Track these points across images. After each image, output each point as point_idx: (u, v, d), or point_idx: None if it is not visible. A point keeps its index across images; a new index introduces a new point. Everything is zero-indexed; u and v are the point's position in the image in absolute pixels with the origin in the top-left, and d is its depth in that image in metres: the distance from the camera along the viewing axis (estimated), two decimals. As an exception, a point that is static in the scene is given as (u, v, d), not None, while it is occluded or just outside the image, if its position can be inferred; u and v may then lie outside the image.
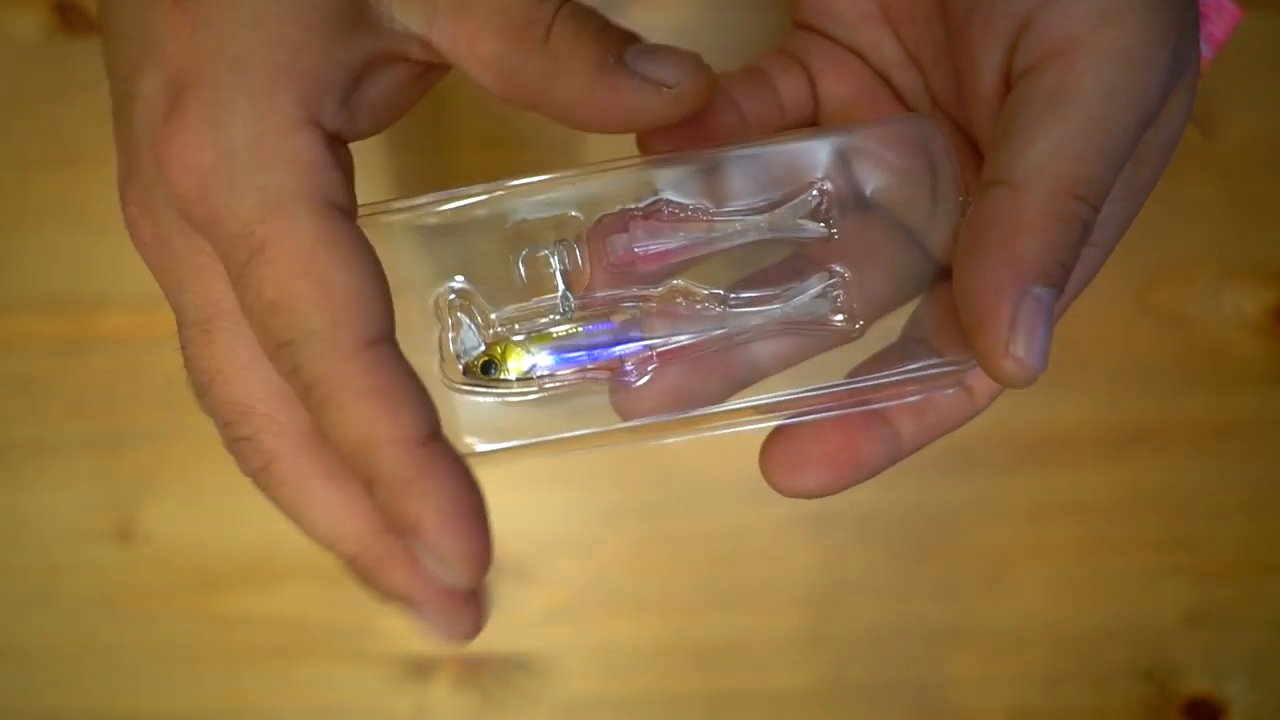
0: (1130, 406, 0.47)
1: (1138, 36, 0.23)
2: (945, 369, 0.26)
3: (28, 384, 0.45)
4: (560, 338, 0.26)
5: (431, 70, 0.24)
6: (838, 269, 0.27)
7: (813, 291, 0.26)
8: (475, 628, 0.23)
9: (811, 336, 0.27)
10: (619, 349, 0.26)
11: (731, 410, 0.26)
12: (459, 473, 0.22)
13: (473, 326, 0.26)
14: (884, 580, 0.47)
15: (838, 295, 0.26)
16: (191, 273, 0.23)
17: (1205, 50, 0.41)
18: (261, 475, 0.24)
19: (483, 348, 0.26)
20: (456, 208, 0.26)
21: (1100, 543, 0.47)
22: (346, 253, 0.21)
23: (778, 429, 0.27)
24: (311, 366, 0.21)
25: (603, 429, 0.26)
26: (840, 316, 0.26)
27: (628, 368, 0.26)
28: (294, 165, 0.21)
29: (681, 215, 0.26)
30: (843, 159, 0.27)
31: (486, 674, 0.46)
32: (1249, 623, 0.47)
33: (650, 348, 0.26)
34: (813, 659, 0.47)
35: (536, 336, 0.26)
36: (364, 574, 0.24)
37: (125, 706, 0.46)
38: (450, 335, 0.26)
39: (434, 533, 0.21)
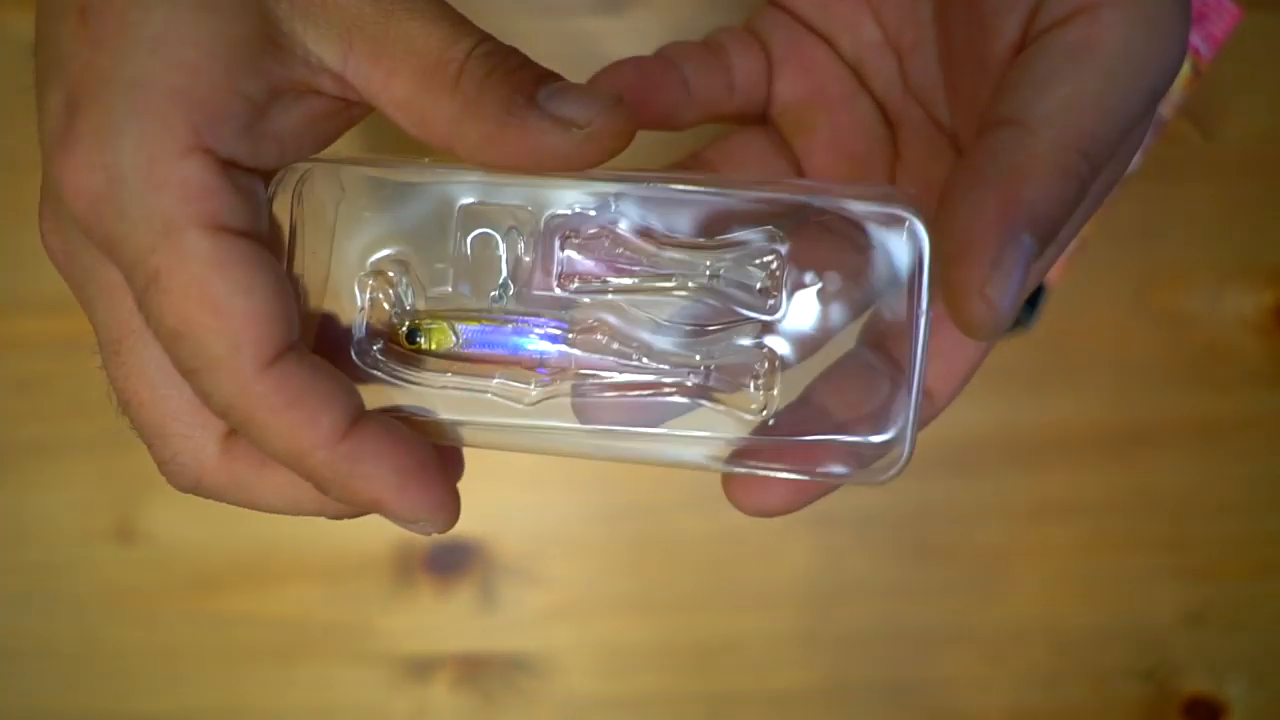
0: (1130, 406, 0.47)
1: (1163, 3, 0.23)
2: (858, 476, 0.26)
3: (28, 384, 0.45)
4: (488, 325, 0.26)
5: (353, 106, 0.24)
6: (768, 346, 0.26)
7: (738, 361, 0.26)
8: (453, 514, 0.24)
9: (718, 403, 0.26)
10: (541, 349, 0.26)
11: (658, 459, 0.26)
12: (394, 441, 0.23)
13: (407, 293, 0.26)
14: (884, 580, 0.47)
15: (760, 375, 0.26)
16: (100, 292, 0.23)
17: (1205, 50, 0.41)
18: (200, 489, 0.24)
19: (410, 315, 0.26)
20: (415, 177, 0.26)
21: (1100, 543, 0.47)
22: (241, 275, 0.21)
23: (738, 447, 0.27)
24: (221, 393, 0.21)
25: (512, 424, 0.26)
26: (758, 397, 0.26)
27: (543, 370, 0.26)
28: (183, 190, 0.21)
29: (634, 234, 0.26)
30: (809, 224, 0.26)
31: (486, 674, 0.46)
32: (1249, 623, 0.47)
33: (570, 360, 0.26)
34: (813, 659, 0.47)
35: (465, 317, 0.26)
36: (334, 517, 0.25)
37: (125, 706, 0.46)
38: (372, 307, 0.26)
39: (394, 504, 0.23)
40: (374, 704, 0.46)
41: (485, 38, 0.23)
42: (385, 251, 0.26)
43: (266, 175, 0.23)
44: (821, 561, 0.47)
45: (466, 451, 0.29)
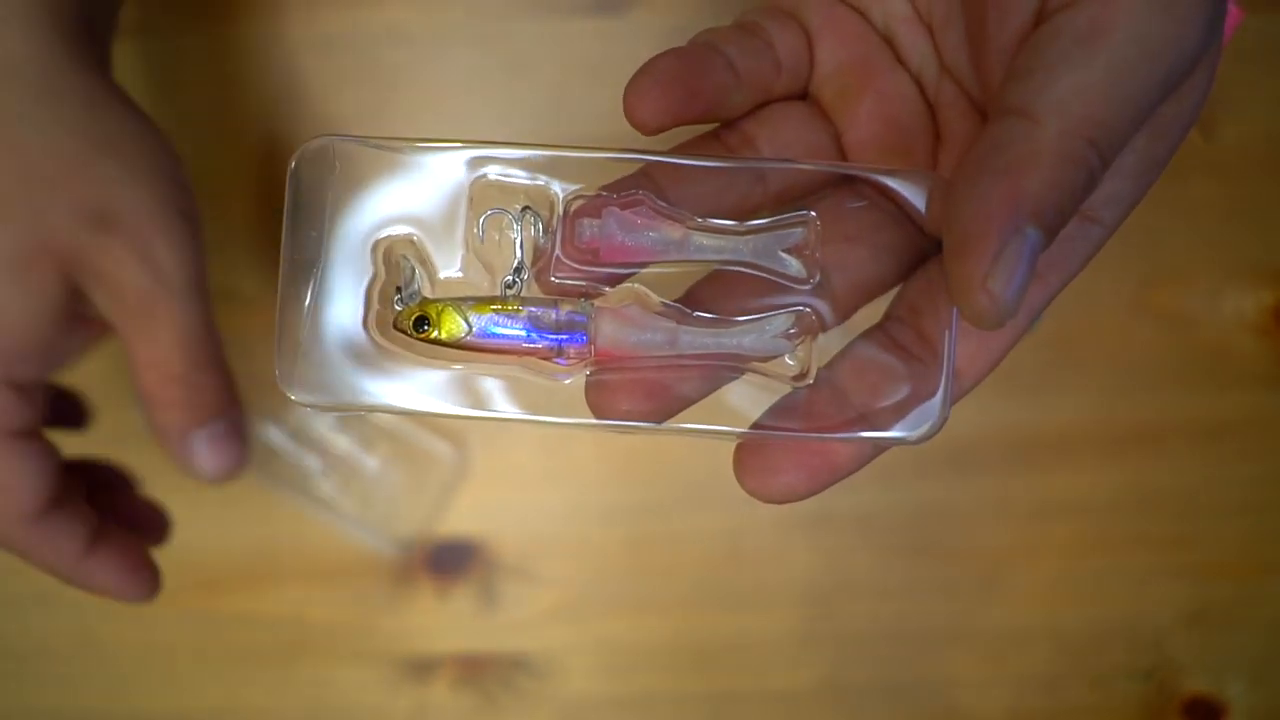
0: (1130, 406, 0.47)
1: None
2: (892, 436, 0.24)
3: (28, 384, 0.45)
4: (501, 311, 0.24)
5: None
6: (807, 311, 0.25)
7: (775, 330, 0.25)
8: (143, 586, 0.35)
9: (757, 375, 0.25)
10: (560, 338, 0.24)
11: (677, 429, 0.25)
12: (121, 557, 0.35)
13: (416, 279, 0.24)
14: (884, 580, 0.47)
15: (798, 339, 0.25)
16: None
17: (1205, 50, 0.41)
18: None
19: (417, 302, 0.24)
20: (430, 153, 0.25)
21: (1100, 543, 0.47)
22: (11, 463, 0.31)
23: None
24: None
25: (522, 416, 0.25)
26: (795, 363, 0.25)
27: (562, 360, 0.24)
28: None
29: (659, 215, 0.25)
30: (842, 198, 0.26)
31: (486, 674, 0.46)
32: (1249, 623, 0.47)
33: (591, 346, 0.24)
34: (813, 659, 0.47)
35: (476, 304, 0.24)
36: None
37: (124, 707, 0.46)
38: (378, 287, 0.25)
39: (117, 591, 0.35)
40: (374, 704, 0.46)
41: (200, 365, 0.32)
42: (390, 232, 0.25)
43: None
44: (822, 561, 0.47)
45: (469, 452, 0.28)
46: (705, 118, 0.26)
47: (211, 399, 0.32)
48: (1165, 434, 0.47)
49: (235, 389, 0.33)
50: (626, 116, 0.25)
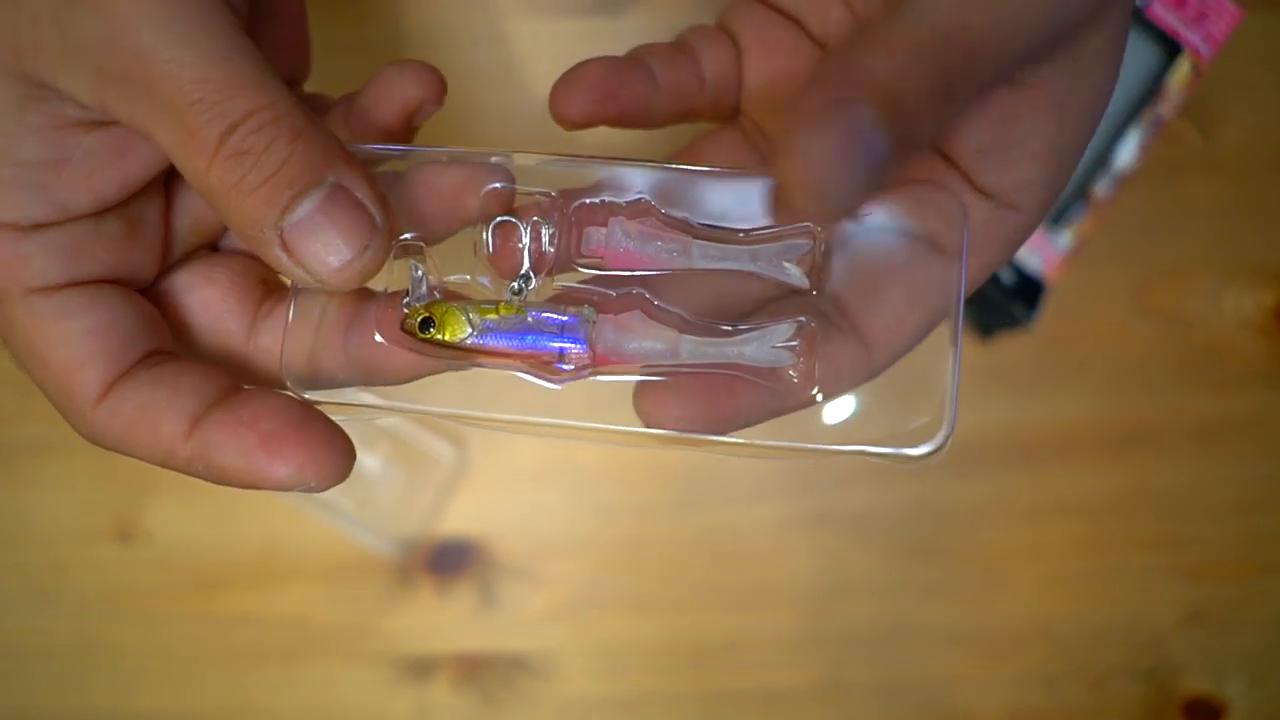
0: (1130, 406, 0.47)
1: None
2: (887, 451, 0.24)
3: (28, 384, 0.45)
4: (506, 315, 0.24)
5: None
6: (807, 321, 0.25)
7: (775, 338, 0.24)
8: (338, 462, 0.23)
9: (759, 384, 0.25)
10: (561, 343, 0.24)
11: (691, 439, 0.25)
12: (249, 415, 0.23)
13: (422, 281, 0.24)
14: (884, 580, 0.47)
15: (798, 350, 0.24)
16: None
17: (1205, 50, 0.41)
18: (90, 438, 0.25)
19: (424, 304, 0.24)
20: (423, 158, 0.25)
21: (1099, 543, 0.47)
22: (56, 329, 0.23)
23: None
24: (75, 426, 0.24)
25: (520, 418, 0.25)
26: (795, 374, 0.25)
27: (563, 366, 0.24)
28: None
29: (663, 223, 0.25)
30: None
31: (486, 674, 0.46)
32: (1249, 623, 0.47)
33: (592, 352, 0.24)
34: (812, 659, 0.47)
35: (482, 308, 0.24)
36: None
37: (125, 706, 0.46)
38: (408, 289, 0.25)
39: (265, 476, 0.23)
40: (374, 704, 0.46)
41: (244, 116, 0.21)
42: (399, 236, 0.25)
43: (109, 209, 0.23)
44: (820, 561, 0.47)
45: (469, 453, 0.29)
46: (623, 121, 0.28)
47: (301, 158, 0.21)
48: (1164, 434, 0.47)
49: (338, 142, 0.22)
50: (551, 112, 0.27)
